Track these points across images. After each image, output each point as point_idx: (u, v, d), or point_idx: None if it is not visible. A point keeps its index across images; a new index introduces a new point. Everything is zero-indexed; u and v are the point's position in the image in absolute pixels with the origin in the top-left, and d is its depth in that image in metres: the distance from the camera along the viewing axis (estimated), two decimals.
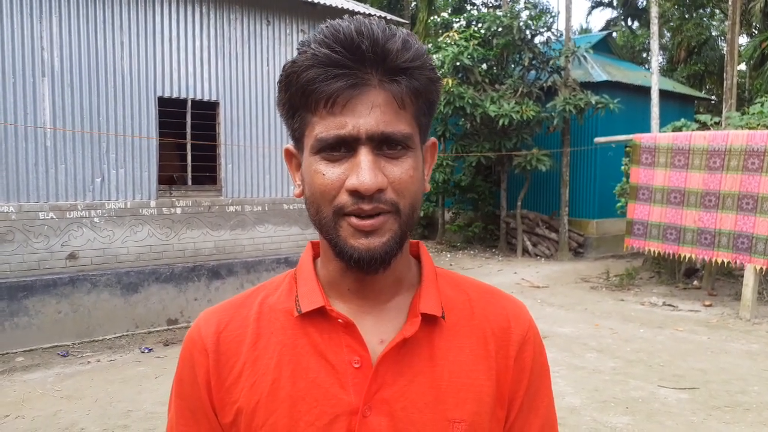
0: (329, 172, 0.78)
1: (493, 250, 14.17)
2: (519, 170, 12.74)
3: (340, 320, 0.83)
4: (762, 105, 9.72)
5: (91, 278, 6.71)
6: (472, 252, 14.07)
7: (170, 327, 7.23)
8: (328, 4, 8.25)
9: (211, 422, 0.87)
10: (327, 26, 0.78)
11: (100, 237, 6.79)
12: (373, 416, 0.81)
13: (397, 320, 0.86)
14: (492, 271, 11.74)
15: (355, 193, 0.76)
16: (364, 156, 0.76)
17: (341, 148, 0.77)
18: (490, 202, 14.45)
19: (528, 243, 13.53)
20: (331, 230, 0.80)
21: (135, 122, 7.02)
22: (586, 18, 44.85)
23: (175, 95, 7.30)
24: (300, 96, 0.78)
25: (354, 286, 0.86)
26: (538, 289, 9.93)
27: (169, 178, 7.51)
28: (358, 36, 0.75)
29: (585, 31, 31.33)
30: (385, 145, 0.77)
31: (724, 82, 11.26)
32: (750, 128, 8.72)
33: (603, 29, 27.09)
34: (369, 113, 0.76)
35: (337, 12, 8.48)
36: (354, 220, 0.78)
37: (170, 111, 7.36)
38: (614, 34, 28.19)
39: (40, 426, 4.50)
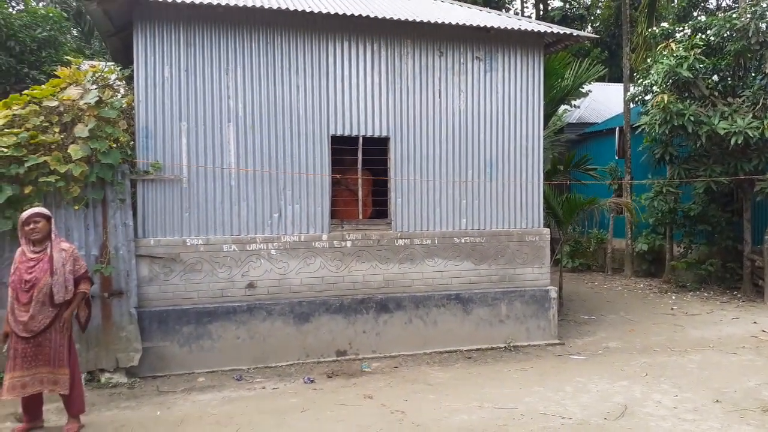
0: None
1: (734, 292, 11.89)
2: (762, 197, 10.56)
3: None
4: None
5: (267, 307, 7.15)
6: (705, 294, 11.99)
7: (338, 358, 7.34)
8: (504, 27, 7.83)
9: None
10: None
11: (276, 268, 7.21)
12: None
13: None
14: (724, 319, 9.82)
15: None
16: None
17: None
18: (729, 234, 12.21)
19: None
20: None
21: (309, 161, 7.38)
22: None
23: (347, 133, 7.53)
24: None
25: None
26: None
27: (339, 212, 7.72)
28: None
29: None
30: None
31: None
32: None
33: None
34: None
35: (516, 35, 8.00)
36: None
37: (342, 149, 7.62)
38: None
39: None
